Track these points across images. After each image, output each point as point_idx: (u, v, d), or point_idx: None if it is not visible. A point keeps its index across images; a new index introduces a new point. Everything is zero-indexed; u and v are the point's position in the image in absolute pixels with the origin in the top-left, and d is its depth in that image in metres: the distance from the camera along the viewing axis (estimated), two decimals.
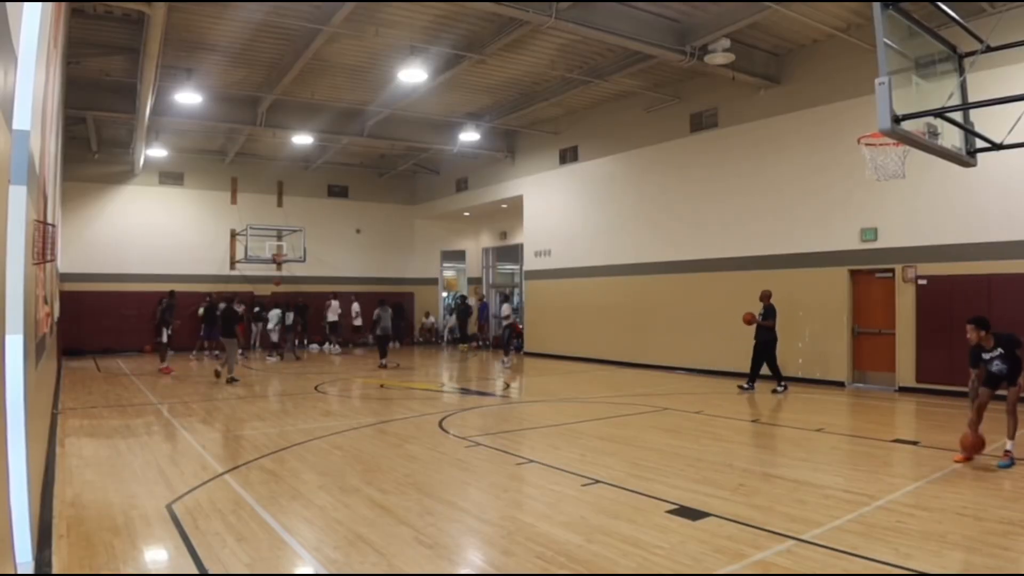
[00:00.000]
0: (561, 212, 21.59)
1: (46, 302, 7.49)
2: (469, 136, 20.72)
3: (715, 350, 16.11)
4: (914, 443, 8.52)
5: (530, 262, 22.92)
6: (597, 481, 6.68)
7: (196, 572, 4.43)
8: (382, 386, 14.58)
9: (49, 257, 7.18)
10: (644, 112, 18.33)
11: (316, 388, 14.13)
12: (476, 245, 29.44)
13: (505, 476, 7.12)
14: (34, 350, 5.37)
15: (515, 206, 24.07)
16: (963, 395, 11.89)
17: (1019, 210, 11.50)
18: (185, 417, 10.53)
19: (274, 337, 21.95)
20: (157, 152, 21.96)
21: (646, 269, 18.37)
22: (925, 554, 4.67)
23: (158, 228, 23.43)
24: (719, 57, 13.61)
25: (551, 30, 13.15)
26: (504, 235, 27.59)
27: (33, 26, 4.17)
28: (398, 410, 11.37)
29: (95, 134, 20.50)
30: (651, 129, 18.30)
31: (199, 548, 4.80)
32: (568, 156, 21.27)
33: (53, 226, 8.80)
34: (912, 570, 4.38)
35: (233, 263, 24.74)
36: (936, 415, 10.85)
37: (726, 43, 13.44)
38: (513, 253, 27.19)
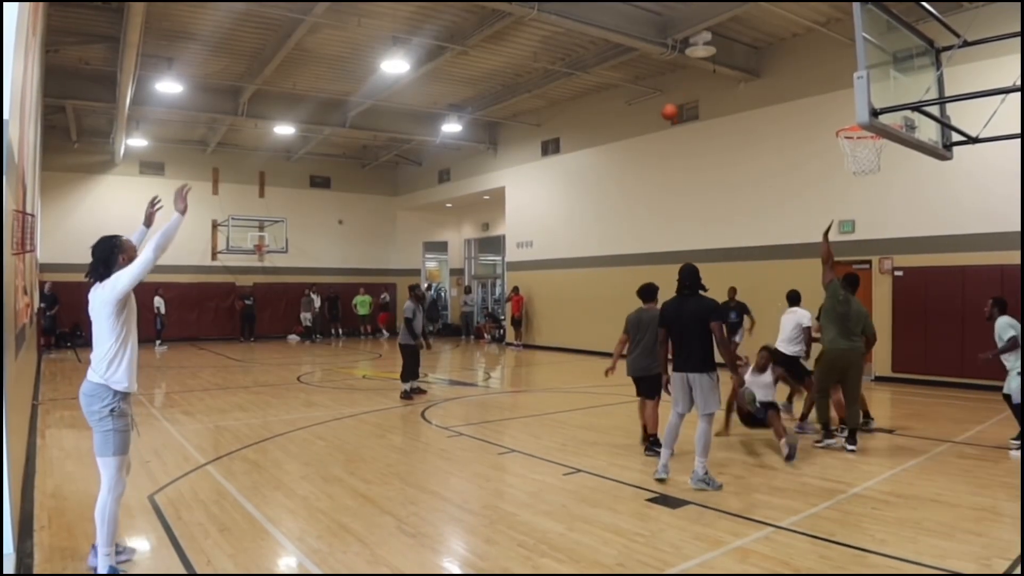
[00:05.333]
0: (543, 203, 21.61)
1: (26, 292, 7.43)
2: (451, 127, 20.67)
3: None
4: (889, 431, 8.66)
5: (512, 253, 22.94)
6: (578, 470, 6.74)
7: (179, 563, 4.43)
8: (364, 376, 14.57)
9: (28, 247, 7.12)
10: (625, 104, 18.37)
11: (299, 379, 14.10)
12: (458, 236, 29.39)
13: (487, 466, 7.17)
14: (13, 341, 5.34)
15: (497, 197, 24.05)
16: (938, 384, 12.17)
17: (993, 203, 11.68)
18: (167, 408, 10.48)
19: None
20: (138, 142, 21.68)
21: (628, 260, 18.42)
22: (900, 540, 4.77)
23: (139, 218, 22.87)
24: (700, 50, 13.68)
25: (533, 22, 13.15)
26: (486, 226, 27.56)
27: (11, 16, 4.15)
28: (380, 400, 11.37)
29: (75, 123, 20.20)
30: (632, 121, 18.35)
31: (182, 539, 4.80)
32: (550, 148, 21.28)
33: (32, 216, 8.72)
34: (888, 555, 4.48)
35: (215, 254, 24.56)
36: (911, 403, 11.03)
37: (707, 36, 13.50)
38: (495, 244, 27.18)
